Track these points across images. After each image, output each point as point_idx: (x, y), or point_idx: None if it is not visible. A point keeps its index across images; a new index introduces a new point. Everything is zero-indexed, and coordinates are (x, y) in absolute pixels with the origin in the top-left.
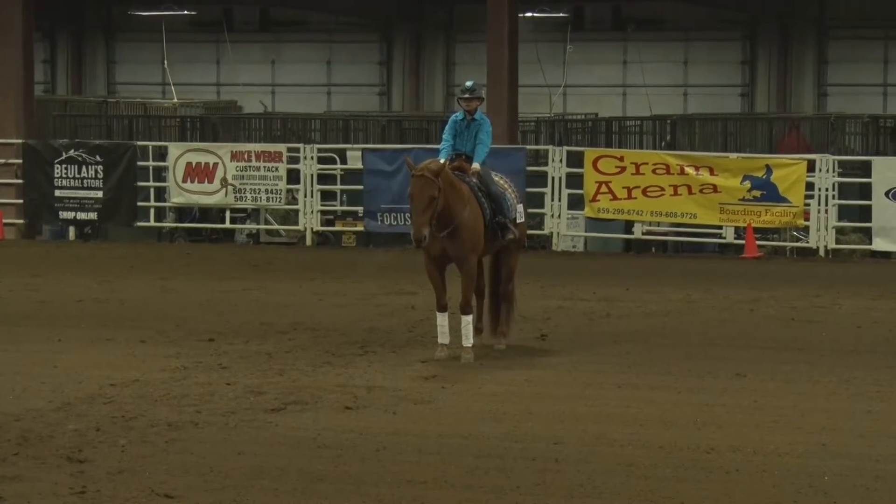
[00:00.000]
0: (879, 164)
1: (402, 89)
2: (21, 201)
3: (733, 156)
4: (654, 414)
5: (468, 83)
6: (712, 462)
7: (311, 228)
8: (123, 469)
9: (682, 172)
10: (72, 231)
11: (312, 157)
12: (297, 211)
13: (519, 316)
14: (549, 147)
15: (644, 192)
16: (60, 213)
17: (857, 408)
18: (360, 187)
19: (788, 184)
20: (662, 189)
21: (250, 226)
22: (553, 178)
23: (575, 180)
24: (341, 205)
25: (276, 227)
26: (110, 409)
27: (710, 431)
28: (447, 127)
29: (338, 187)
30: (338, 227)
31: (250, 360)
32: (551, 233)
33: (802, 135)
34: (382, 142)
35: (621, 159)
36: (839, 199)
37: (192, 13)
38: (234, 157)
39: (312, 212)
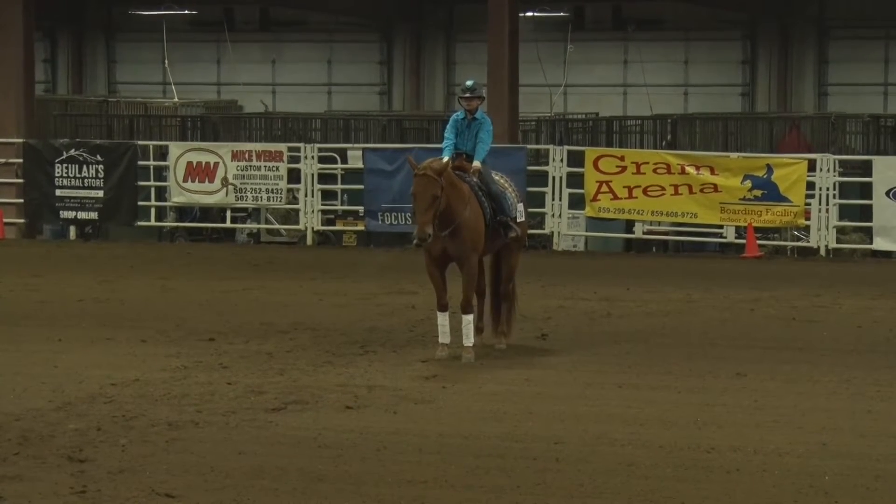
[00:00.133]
0: (880, 163)
1: (403, 89)
2: (22, 201)
3: (734, 155)
4: (654, 414)
5: (468, 82)
6: (712, 462)
7: (312, 228)
8: (124, 469)
9: (683, 172)
10: (72, 231)
11: (313, 157)
12: (297, 210)
13: (519, 315)
14: (550, 146)
15: (645, 191)
16: (61, 212)
17: (857, 408)
18: (361, 187)
19: (789, 183)
20: (663, 188)
21: (251, 225)
22: (554, 178)
23: (575, 180)
24: (342, 204)
25: (276, 226)
26: (111, 409)
27: (710, 431)
28: (449, 126)
29: (338, 187)
30: (338, 227)
31: (251, 359)
32: (552, 232)
33: (803, 134)
34: (383, 141)
35: (622, 159)
36: (840, 198)
37: (193, 13)
38: (235, 156)
39: (313, 211)
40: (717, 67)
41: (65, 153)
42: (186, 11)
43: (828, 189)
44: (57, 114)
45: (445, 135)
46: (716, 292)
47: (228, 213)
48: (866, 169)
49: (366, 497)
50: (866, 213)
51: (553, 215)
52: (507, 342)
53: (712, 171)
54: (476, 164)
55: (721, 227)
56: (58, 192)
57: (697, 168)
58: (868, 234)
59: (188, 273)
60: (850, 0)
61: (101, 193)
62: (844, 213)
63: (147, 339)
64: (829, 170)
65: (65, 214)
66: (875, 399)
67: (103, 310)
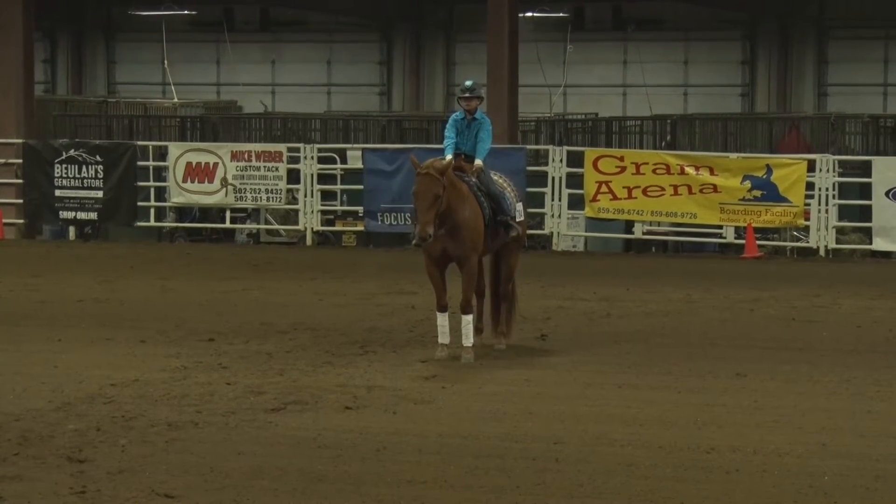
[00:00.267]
0: (879, 163)
1: (403, 89)
2: (21, 201)
3: (733, 156)
4: (654, 414)
5: (468, 83)
6: (712, 462)
7: (312, 228)
8: (123, 469)
9: (683, 172)
10: (72, 231)
11: (312, 157)
12: (297, 211)
13: (519, 316)
14: (550, 147)
15: (644, 191)
16: (61, 212)
17: (857, 408)
18: (361, 187)
19: (789, 184)
20: (663, 189)
21: (250, 226)
22: (553, 178)
23: (575, 180)
24: (341, 204)
25: (276, 226)
26: (110, 409)
27: (710, 431)
28: (448, 125)
29: (338, 187)
30: (338, 227)
31: (250, 360)
32: (551, 232)
33: (803, 135)
34: (382, 142)
35: (621, 159)
36: (839, 198)
37: (193, 13)
38: (235, 156)
39: (312, 211)
40: (717, 68)
41: (64, 153)
42: (186, 12)
43: (827, 189)
44: (56, 114)
45: (446, 134)
46: (716, 292)
47: (228, 214)
48: (866, 169)
49: (366, 497)
50: (866, 213)
51: (552, 216)
52: (506, 342)
53: (712, 172)
54: (478, 162)
55: (721, 227)
56: (57, 193)
57: (697, 168)
58: (868, 234)
59: (188, 273)
60: (850, 0)
61: (100, 194)
62: (844, 213)
63: (147, 340)
64: (828, 170)
65: (64, 215)
66: (875, 399)
67: (103, 310)
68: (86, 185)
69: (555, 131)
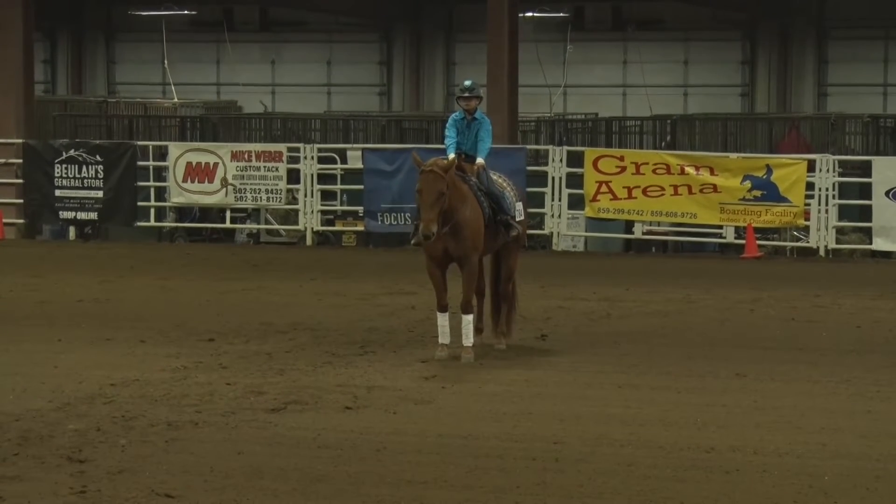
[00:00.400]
0: (879, 163)
1: (403, 89)
2: (21, 201)
3: (733, 156)
4: (654, 414)
5: (466, 82)
6: (712, 462)
7: (312, 228)
8: (123, 469)
9: (683, 172)
10: (72, 231)
11: (312, 157)
12: (297, 211)
13: (519, 316)
14: (550, 147)
15: (644, 191)
16: (61, 212)
17: (857, 408)
18: (361, 187)
19: (789, 184)
20: (663, 189)
21: (250, 226)
22: (553, 178)
23: (575, 180)
24: (341, 204)
25: (276, 226)
26: (110, 409)
27: (710, 431)
28: (449, 125)
29: (338, 187)
30: (338, 227)
31: (250, 360)
32: (551, 232)
33: (802, 135)
34: (382, 142)
35: (621, 159)
36: (839, 198)
37: (193, 13)
38: (235, 156)
39: (312, 212)
40: (717, 68)
41: (64, 153)
42: (186, 12)
43: (827, 189)
44: (56, 114)
45: (447, 133)
46: (716, 292)
47: (228, 214)
48: (866, 169)
49: (365, 497)
50: (866, 213)
51: (553, 216)
52: (506, 342)
53: (712, 172)
54: (479, 161)
55: (721, 227)
56: (57, 193)
57: (697, 168)
58: (868, 234)
59: (188, 273)
60: (849, 0)
61: (100, 194)
62: (844, 213)
63: (147, 340)
64: (828, 170)
65: (64, 215)
66: (875, 399)
67: (103, 310)
68: (86, 185)
69: (555, 131)
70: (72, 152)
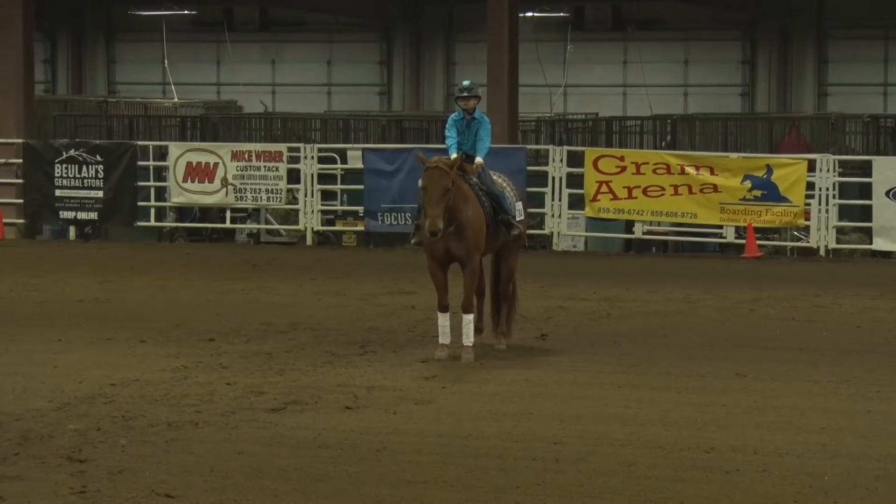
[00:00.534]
0: (880, 163)
1: (403, 89)
2: (21, 201)
3: (734, 155)
4: (654, 414)
5: (465, 82)
6: (712, 462)
7: (312, 228)
8: (123, 469)
9: (683, 172)
10: (72, 231)
11: (313, 157)
12: (297, 211)
13: (519, 315)
14: (550, 147)
15: (644, 191)
16: (61, 212)
17: (857, 408)
18: (361, 187)
19: (789, 183)
20: (663, 189)
21: (251, 225)
22: (553, 178)
23: (575, 180)
24: (342, 204)
25: (276, 226)
26: (110, 409)
27: (710, 431)
28: (449, 125)
29: (338, 187)
30: (338, 227)
31: (250, 360)
32: (552, 232)
33: (803, 135)
34: (383, 141)
35: (622, 159)
36: (839, 198)
37: (193, 13)
38: (235, 156)
39: (313, 211)
40: (717, 67)
41: (64, 153)
42: (186, 11)
43: (827, 189)
44: (56, 114)
45: (447, 134)
46: (716, 292)
47: (228, 214)
48: (866, 169)
49: (366, 497)
50: (866, 213)
51: (553, 215)
52: (506, 342)
53: (712, 172)
54: (478, 160)
55: (721, 227)
56: (58, 193)
57: (697, 168)
58: (868, 234)
59: (188, 273)
60: (849, 0)
61: (100, 194)
62: (844, 213)
63: (147, 340)
64: (828, 170)
65: (64, 215)
66: (875, 399)
67: (103, 310)
68: (86, 185)
69: (555, 131)
70: (72, 152)
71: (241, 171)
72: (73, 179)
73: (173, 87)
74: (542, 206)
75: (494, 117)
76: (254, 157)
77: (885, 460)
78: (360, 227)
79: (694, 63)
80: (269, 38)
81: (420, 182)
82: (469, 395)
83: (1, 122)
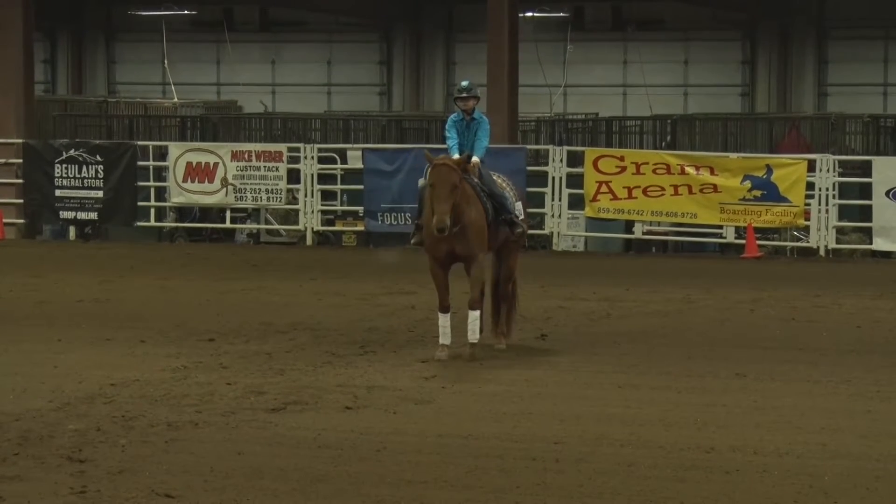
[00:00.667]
0: (880, 163)
1: (403, 89)
2: (21, 201)
3: (734, 156)
4: (654, 414)
5: (463, 83)
6: (712, 462)
7: (312, 228)
8: (123, 469)
9: (683, 172)
10: (72, 231)
11: (313, 157)
12: (297, 211)
13: (519, 315)
14: (550, 147)
15: (644, 191)
16: (61, 212)
17: (857, 408)
18: (361, 187)
19: (789, 183)
20: (663, 189)
21: (251, 225)
22: (553, 178)
23: (575, 180)
24: (342, 204)
25: (276, 226)
26: (110, 409)
27: (710, 431)
28: (449, 126)
29: (338, 187)
30: (338, 227)
31: (250, 360)
32: (552, 232)
33: (803, 135)
34: (383, 141)
35: (622, 159)
36: (839, 198)
37: (193, 13)
38: (235, 156)
39: (313, 211)
40: (717, 67)
41: (64, 153)
42: (186, 11)
43: (827, 189)
44: (56, 114)
45: (447, 134)
46: (716, 292)
47: (228, 214)
48: (866, 169)
49: (366, 497)
50: (866, 213)
51: (553, 215)
52: (506, 342)
53: (712, 172)
54: (475, 159)
55: (721, 227)
56: (58, 193)
57: (697, 168)
58: (868, 234)
59: (188, 273)
60: (849, 0)
61: (100, 194)
62: (844, 213)
63: (147, 340)
64: (828, 170)
65: (64, 215)
66: (875, 399)
67: (103, 310)
68: (86, 185)
69: (555, 131)
70: (72, 152)
71: (241, 171)
72: (73, 179)
73: (173, 87)
74: (542, 206)
75: (494, 117)
76: (254, 157)
77: (885, 460)
78: (360, 227)
79: (694, 63)
80: (269, 38)
81: (420, 182)
82: (469, 395)
83: (1, 122)
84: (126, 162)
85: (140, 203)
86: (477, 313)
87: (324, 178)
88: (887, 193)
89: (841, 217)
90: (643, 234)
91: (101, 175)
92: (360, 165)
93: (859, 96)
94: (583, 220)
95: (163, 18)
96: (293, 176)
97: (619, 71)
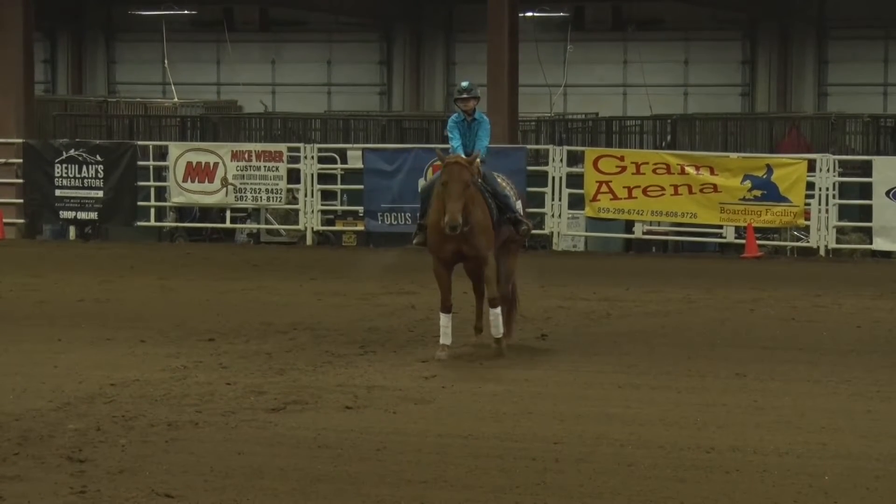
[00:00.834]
0: (880, 163)
1: (403, 89)
2: (21, 201)
3: (734, 155)
4: (654, 414)
5: (464, 83)
6: (712, 462)
7: (312, 228)
8: (123, 469)
9: (683, 172)
10: (72, 231)
11: (313, 157)
12: (297, 210)
13: (519, 315)
14: (550, 147)
15: (644, 191)
16: (61, 212)
17: (857, 408)
18: (361, 187)
19: (789, 183)
20: (663, 189)
21: (251, 225)
22: (553, 178)
23: (575, 180)
24: (342, 204)
25: (276, 226)
26: (110, 409)
27: (710, 431)
28: (451, 127)
29: (338, 187)
30: (338, 227)
31: (250, 359)
32: (552, 232)
33: (803, 134)
34: (383, 141)
35: (622, 159)
36: (839, 198)
37: (193, 13)
38: (235, 156)
39: (313, 211)
40: (717, 67)
41: (64, 153)
42: (186, 11)
43: (827, 189)
44: (56, 114)
45: (450, 135)
46: (716, 292)
47: (228, 214)
48: (866, 169)
49: (366, 497)
50: (866, 213)
51: (553, 215)
52: (507, 342)
53: (712, 172)
54: (477, 161)
55: (721, 227)
56: (58, 193)
57: (697, 168)
58: (868, 234)
59: (188, 273)
60: (849, 0)
61: (100, 193)
62: (844, 213)
63: (147, 340)
64: (828, 170)
65: (65, 214)
66: (875, 399)
67: (103, 310)
68: (86, 185)
69: (555, 131)
70: (72, 152)
71: (241, 171)
72: (73, 179)
73: (173, 87)
74: (542, 206)
75: (494, 117)
76: (254, 157)
77: (885, 460)
78: (360, 227)
79: (694, 63)
80: (269, 38)
81: (420, 182)
82: (469, 395)
83: (1, 122)
84: (126, 162)
85: (140, 203)
86: (498, 310)
87: (324, 177)
88: (887, 193)
89: (841, 217)
90: (643, 234)
91: (101, 175)
92: (360, 165)
93: (859, 96)
94: (583, 219)
95: (163, 18)
96: (293, 176)
97: (619, 71)
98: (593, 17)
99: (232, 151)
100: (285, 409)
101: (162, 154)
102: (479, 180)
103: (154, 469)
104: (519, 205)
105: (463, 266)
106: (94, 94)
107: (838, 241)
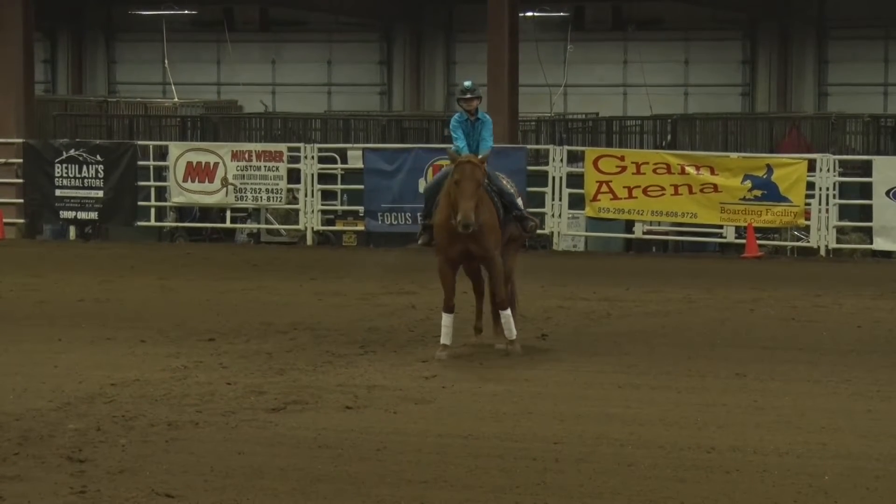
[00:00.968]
0: (880, 163)
1: (403, 89)
2: (21, 201)
3: (734, 155)
4: (654, 414)
5: (466, 83)
6: (712, 462)
7: (312, 228)
8: (123, 469)
9: (683, 172)
10: (72, 231)
11: (313, 157)
12: (297, 210)
13: (519, 315)
14: (550, 146)
15: (645, 191)
16: (61, 212)
17: (857, 407)
18: (361, 187)
19: (789, 183)
20: (663, 189)
21: (251, 225)
22: (554, 178)
23: (575, 180)
24: (342, 204)
25: (276, 226)
26: (110, 409)
27: (710, 431)
28: (454, 127)
29: (338, 187)
30: (338, 227)
31: (250, 359)
32: (552, 232)
33: (803, 134)
34: (383, 141)
35: (622, 159)
36: (840, 198)
37: (193, 13)
38: (235, 156)
39: (313, 211)
40: (717, 67)
41: (65, 153)
42: (186, 11)
43: (828, 189)
44: (57, 114)
45: (454, 135)
46: (716, 292)
47: (228, 214)
48: (866, 169)
49: (366, 497)
50: (866, 213)
51: (553, 215)
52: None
53: (712, 171)
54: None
55: (721, 227)
56: (58, 192)
57: (697, 168)
58: (868, 234)
59: (188, 273)
60: (849, 0)
61: (100, 193)
62: (844, 213)
63: (147, 339)
64: (828, 170)
65: (65, 214)
66: (875, 399)
67: (103, 310)
68: (86, 185)
69: (555, 131)
70: (72, 152)
71: (242, 170)
72: (73, 179)
73: (173, 87)
74: (543, 205)
75: (495, 117)
76: (254, 157)
77: (885, 460)
78: (360, 227)
79: (694, 63)
80: (269, 38)
81: (421, 182)
82: (469, 395)
83: (1, 121)
84: (126, 162)
85: (140, 203)
86: (508, 312)
87: (324, 177)
88: (887, 193)
89: (841, 217)
90: (643, 233)
91: (101, 175)
92: (360, 165)
93: (859, 96)
94: (583, 219)
95: (163, 18)
96: (293, 176)
97: (620, 71)
98: (593, 17)
99: (232, 151)
100: (285, 409)
101: (162, 154)
102: (486, 180)
103: (154, 469)
104: (520, 203)
105: (463, 266)
106: (94, 94)
107: (838, 241)
